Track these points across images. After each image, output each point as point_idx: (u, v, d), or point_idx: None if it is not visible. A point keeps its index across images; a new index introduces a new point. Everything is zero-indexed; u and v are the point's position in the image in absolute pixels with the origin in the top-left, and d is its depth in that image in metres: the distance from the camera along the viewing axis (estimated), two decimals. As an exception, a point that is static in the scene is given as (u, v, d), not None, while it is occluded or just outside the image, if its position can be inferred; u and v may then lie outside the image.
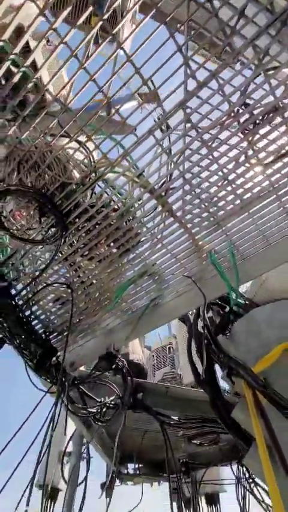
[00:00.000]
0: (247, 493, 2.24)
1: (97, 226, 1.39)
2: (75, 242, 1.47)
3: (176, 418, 2.17)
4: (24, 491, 1.48)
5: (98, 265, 1.54)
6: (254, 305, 2.15)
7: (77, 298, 1.62)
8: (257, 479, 2.25)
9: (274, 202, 1.29)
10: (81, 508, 2.37)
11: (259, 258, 1.47)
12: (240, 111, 1.04)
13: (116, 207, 1.35)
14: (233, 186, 1.24)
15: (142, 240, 1.45)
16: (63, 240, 1.37)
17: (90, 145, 1.20)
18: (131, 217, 1.39)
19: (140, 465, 3.10)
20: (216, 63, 1.30)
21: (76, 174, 1.30)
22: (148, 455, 3.02)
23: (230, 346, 1.97)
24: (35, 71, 1.08)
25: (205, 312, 2.06)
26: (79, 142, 1.17)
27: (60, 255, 1.49)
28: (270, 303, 1.99)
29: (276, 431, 1.42)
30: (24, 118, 1.12)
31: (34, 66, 1.18)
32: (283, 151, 1.11)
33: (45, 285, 1.57)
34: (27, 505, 1.42)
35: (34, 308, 1.71)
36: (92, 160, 1.21)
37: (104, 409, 1.78)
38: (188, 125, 1.07)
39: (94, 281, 1.60)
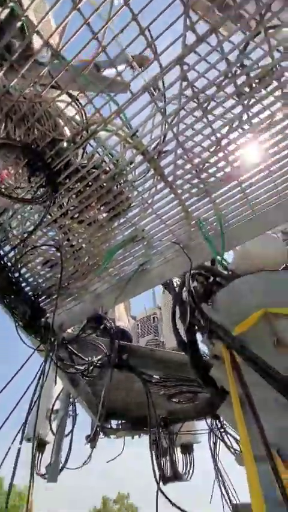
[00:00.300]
0: (218, 440, 2.52)
1: (88, 188, 1.37)
2: (65, 204, 1.46)
3: (158, 377, 2.33)
4: (13, 442, 1.57)
5: (88, 229, 1.54)
6: (236, 276, 2.25)
7: (66, 262, 1.63)
8: (227, 429, 2.54)
9: (263, 172, 1.32)
10: (67, 458, 2.57)
11: (244, 227, 1.52)
12: (238, 72, 1.02)
13: (107, 168, 1.33)
14: (225, 152, 1.25)
15: (133, 204, 1.45)
16: (52, 201, 1.35)
17: (82, 101, 1.15)
18: (122, 181, 1.38)
19: (123, 421, 3.34)
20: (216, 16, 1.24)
21: (67, 132, 1.25)
22: (130, 412, 3.25)
23: (211, 313, 2.08)
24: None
25: (190, 279, 2.14)
26: (70, 95, 1.12)
27: (50, 216, 1.48)
28: (251, 274, 2.09)
29: (248, 385, 1.57)
30: (12, 65, 1.05)
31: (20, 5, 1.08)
32: (276, 118, 1.12)
33: (33, 246, 1.56)
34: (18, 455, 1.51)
35: (23, 270, 1.71)
36: (84, 116, 1.17)
37: (91, 367, 1.87)
38: (185, 83, 1.04)
39: (83, 245, 1.61)
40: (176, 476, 2.92)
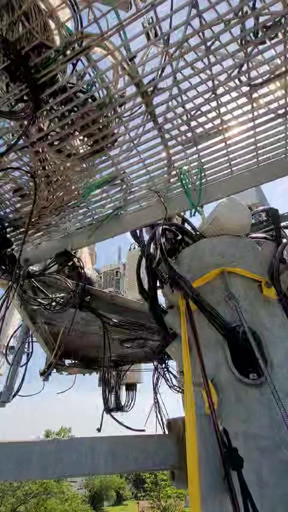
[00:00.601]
0: (160, 377, 2.91)
1: (72, 114, 1.27)
2: (45, 127, 1.34)
3: (116, 321, 2.48)
4: None
5: (66, 161, 1.46)
6: (202, 237, 2.39)
7: (39, 193, 1.55)
8: (170, 368, 2.96)
9: (249, 132, 1.35)
10: (20, 387, 2.71)
11: (220, 184, 1.58)
12: (248, 12, 0.98)
13: (96, 94, 1.23)
14: (219, 102, 1.24)
15: (117, 142, 1.40)
16: (32, 120, 1.23)
17: (80, 6, 1.01)
18: (110, 112, 1.31)
19: (75, 360, 3.57)
20: None
21: (57, 40, 1.11)
22: (84, 353, 3.47)
23: (175, 266, 2.22)
24: None
25: (161, 232, 2.22)
26: (67, -7, 0.97)
27: (26, 138, 1.36)
28: (215, 237, 2.24)
29: (199, 329, 1.77)
30: None
31: None
32: (276, 73, 1.12)
33: (6, 168, 1.44)
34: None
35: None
36: (79, 24, 1.04)
37: (53, 304, 1.91)
38: (194, 11, 0.98)
39: (59, 177, 1.53)
40: (119, 408, 3.29)
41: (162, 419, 2.71)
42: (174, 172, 1.51)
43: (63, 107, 1.26)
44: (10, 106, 1.24)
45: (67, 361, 3.56)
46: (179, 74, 1.16)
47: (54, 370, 3.25)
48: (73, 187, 1.56)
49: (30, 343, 2.96)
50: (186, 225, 2.76)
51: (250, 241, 2.25)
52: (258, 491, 1.14)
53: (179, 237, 2.55)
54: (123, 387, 3.77)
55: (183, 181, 1.50)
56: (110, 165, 1.49)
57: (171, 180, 1.56)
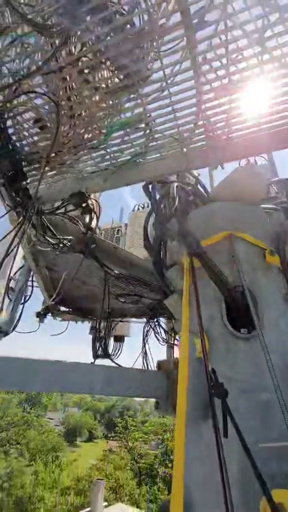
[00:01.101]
0: (150, 330, 3.13)
1: (108, 38, 1.17)
2: (75, 51, 1.25)
3: (117, 272, 2.55)
4: None
5: (93, 94, 1.38)
6: (213, 200, 2.39)
7: (60, 127, 1.48)
8: (161, 323, 3.17)
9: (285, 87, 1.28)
10: (18, 320, 2.84)
11: (247, 143, 1.54)
12: None
13: (136, 20, 1.13)
14: (265, 47, 1.16)
15: (150, 77, 1.31)
16: (65, 38, 1.13)
17: None
18: (148, 44, 1.21)
19: (70, 309, 3.73)
20: None
21: None
22: (80, 302, 3.62)
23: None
24: None
25: (174, 189, 2.20)
26: None
27: (55, 62, 1.26)
28: (227, 202, 2.25)
29: (198, 286, 1.85)
30: None
31: None
32: None
33: (29, 91, 1.36)
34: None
35: (9, 122, 1.51)
36: None
37: (60, 245, 1.94)
38: None
39: (84, 112, 1.46)
40: (106, 355, 3.54)
41: (147, 366, 2.99)
42: (201, 122, 1.46)
43: (99, 28, 1.16)
44: (43, 19, 1.14)
45: (62, 308, 3.71)
46: (230, 6, 1.06)
47: (50, 315, 3.40)
48: (95, 125, 1.50)
49: (30, 286, 3.05)
50: (199, 187, 2.73)
51: (260, 210, 2.27)
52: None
53: (191, 198, 2.55)
54: (112, 338, 4.02)
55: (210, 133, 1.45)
56: (137, 105, 1.42)
57: (197, 131, 1.51)
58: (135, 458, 25.11)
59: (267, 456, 1.23)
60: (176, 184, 2.21)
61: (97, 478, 3.54)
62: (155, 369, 2.31)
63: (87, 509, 3.18)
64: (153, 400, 2.04)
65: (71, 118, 1.48)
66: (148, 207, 4.51)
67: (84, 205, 1.78)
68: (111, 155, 1.69)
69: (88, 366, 1.49)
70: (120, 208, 5.31)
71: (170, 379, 1.70)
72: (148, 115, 1.47)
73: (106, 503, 3.29)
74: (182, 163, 1.53)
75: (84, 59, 1.28)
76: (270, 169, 3.76)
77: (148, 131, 1.51)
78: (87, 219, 1.99)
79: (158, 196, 2.47)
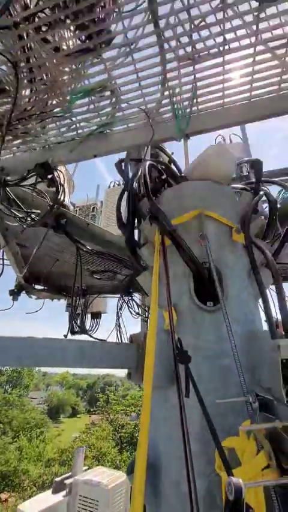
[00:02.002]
0: (124, 304, 3.22)
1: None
2: (32, 5, 1.13)
3: (89, 248, 2.51)
4: None
5: (53, 55, 1.28)
6: (185, 179, 2.40)
7: (20, 91, 1.37)
8: (134, 298, 3.27)
9: (247, 59, 1.26)
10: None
11: (211, 115, 1.52)
12: None
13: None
14: (225, 15, 1.12)
15: (112, 42, 1.24)
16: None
17: None
18: (110, 3, 1.13)
19: (45, 287, 3.69)
20: None
21: None
22: (53, 280, 3.57)
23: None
24: None
25: (146, 168, 2.17)
26: None
27: (9, 16, 1.14)
28: (199, 180, 2.26)
29: (169, 263, 1.89)
30: None
31: None
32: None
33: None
34: None
35: None
36: None
37: (29, 218, 1.86)
38: None
39: (45, 76, 1.35)
40: (83, 331, 3.59)
41: (121, 339, 3.10)
42: (166, 92, 1.42)
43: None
44: None
45: (38, 287, 3.66)
46: None
47: (24, 293, 3.34)
48: (59, 90, 1.40)
49: (2, 265, 2.95)
50: (172, 166, 2.71)
51: (230, 190, 2.32)
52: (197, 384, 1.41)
53: (164, 177, 2.53)
54: (89, 315, 4.06)
55: (175, 105, 1.42)
56: (102, 71, 1.34)
57: (163, 101, 1.47)
58: (117, 428, 26.50)
59: (225, 412, 1.35)
60: (148, 162, 2.18)
61: (77, 447, 3.72)
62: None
63: (69, 473, 3.34)
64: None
65: (31, 82, 1.37)
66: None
67: (50, 176, 1.70)
68: (77, 125, 1.60)
69: (61, 340, 1.51)
70: (97, 186, 5.17)
71: (140, 350, 1.77)
72: (113, 81, 1.40)
73: (86, 468, 3.48)
74: (149, 134, 1.50)
75: (42, 15, 1.17)
76: (244, 148, 3.80)
77: (114, 100, 1.45)
78: (59, 195, 1.90)
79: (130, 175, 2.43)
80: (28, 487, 18.98)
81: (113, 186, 4.57)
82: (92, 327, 3.88)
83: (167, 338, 1.68)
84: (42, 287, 3.54)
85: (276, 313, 1.58)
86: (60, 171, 1.82)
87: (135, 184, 2.42)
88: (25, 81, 1.32)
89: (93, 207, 4.20)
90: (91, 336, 3.22)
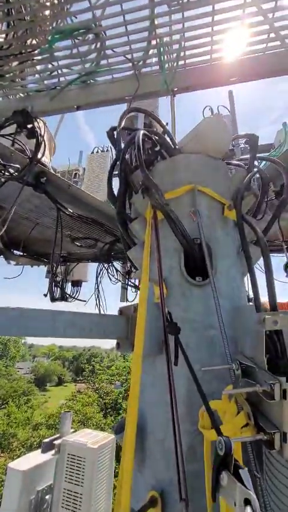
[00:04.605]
0: (104, 272, 3.28)
1: None
2: None
3: (71, 211, 2.41)
4: None
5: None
6: (179, 152, 2.32)
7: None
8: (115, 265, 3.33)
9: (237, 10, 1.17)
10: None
11: (199, 71, 1.45)
12: None
13: None
14: None
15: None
16: None
17: None
18: None
19: (24, 253, 3.61)
20: None
21: None
22: (33, 246, 3.49)
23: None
24: None
25: (139, 137, 2.08)
26: None
27: None
28: (193, 154, 2.20)
29: (160, 238, 1.88)
30: None
31: None
32: None
33: None
34: None
35: None
36: None
37: (6, 173, 1.73)
38: None
39: (23, 9, 1.20)
40: (63, 298, 3.62)
41: (100, 305, 3.18)
42: (154, 42, 1.32)
43: None
44: None
45: (17, 252, 3.57)
46: None
47: (3, 259, 3.27)
48: (39, 28, 1.26)
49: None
50: (166, 137, 2.61)
51: (224, 165, 2.28)
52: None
53: (157, 149, 2.44)
54: (70, 283, 4.07)
55: (162, 56, 1.33)
56: (86, 9, 1.21)
57: (150, 52, 1.37)
58: (102, 396, 27.87)
59: (209, 378, 1.44)
60: (142, 132, 2.08)
61: (64, 411, 3.90)
62: (109, 310, 2.41)
63: (57, 435, 3.52)
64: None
65: (8, 14, 1.22)
66: (108, 150, 4.24)
67: (30, 126, 1.58)
68: (59, 71, 1.48)
69: (51, 311, 1.51)
70: (79, 151, 4.92)
71: (130, 322, 1.81)
72: (98, 24, 1.28)
73: (73, 430, 3.68)
74: (134, 87, 1.41)
75: None
76: (232, 122, 3.70)
77: (98, 45, 1.34)
78: (39, 148, 1.75)
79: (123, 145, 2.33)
80: (17, 448, 20.02)
81: (97, 152, 4.37)
82: (73, 294, 3.90)
83: (157, 310, 1.72)
84: (21, 253, 3.46)
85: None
86: (41, 120, 1.68)
87: (126, 156, 2.33)
88: (1, 14, 1.18)
89: (75, 173, 4.04)
90: (79, 299, 3.21)
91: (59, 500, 2.88)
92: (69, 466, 2.93)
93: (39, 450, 3.33)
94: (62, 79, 1.46)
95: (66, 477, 2.91)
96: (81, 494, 2.77)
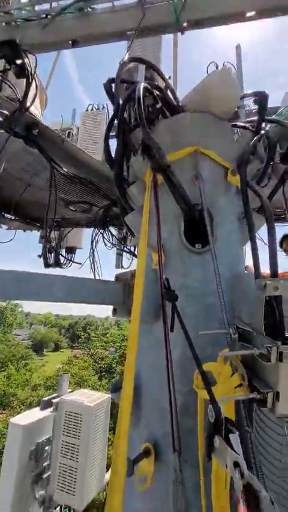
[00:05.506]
0: (100, 237, 3.25)
1: None
2: None
3: (66, 170, 2.27)
4: None
5: None
6: (182, 110, 2.14)
7: None
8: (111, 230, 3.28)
9: None
10: None
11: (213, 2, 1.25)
12: None
13: None
14: None
15: None
16: None
17: None
18: None
19: (16, 216, 3.49)
20: None
21: None
22: (26, 209, 3.36)
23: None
24: None
25: (140, 90, 1.90)
26: None
27: None
28: (197, 112, 2.03)
29: (160, 203, 1.79)
30: None
31: None
32: None
33: None
34: None
35: None
36: None
37: None
38: None
39: None
40: (58, 264, 3.59)
41: (95, 270, 3.16)
42: None
43: None
44: None
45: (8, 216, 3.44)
46: None
47: None
48: None
49: None
50: (168, 93, 2.40)
51: (229, 127, 2.12)
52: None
53: (158, 106, 2.24)
54: (64, 250, 4.01)
55: None
56: None
57: None
58: (97, 360, 29.31)
59: (204, 344, 1.45)
60: (143, 84, 1.89)
61: (61, 374, 4.06)
62: (104, 276, 2.35)
63: (55, 394, 3.70)
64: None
65: None
66: (104, 108, 3.94)
67: (19, 62, 1.40)
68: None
69: (48, 275, 1.47)
70: (73, 109, 4.55)
71: (126, 288, 1.80)
72: None
73: (70, 390, 3.87)
74: (137, 18, 1.23)
75: None
76: (239, 80, 3.43)
77: None
78: (30, 88, 1.55)
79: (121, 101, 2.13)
80: (17, 406, 21.34)
81: (92, 110, 4.06)
82: (66, 261, 3.85)
83: (155, 277, 1.70)
84: (13, 216, 3.33)
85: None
86: (33, 55, 1.48)
87: (125, 114, 2.14)
88: None
89: (69, 132, 3.78)
90: (79, 263, 3.16)
91: (58, 451, 3.11)
92: (67, 421, 3.12)
93: (38, 408, 3.51)
94: (54, 4, 1.25)
95: (64, 431, 3.12)
96: (78, 445, 2.98)
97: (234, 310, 1.56)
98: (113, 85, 2.20)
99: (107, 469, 3.43)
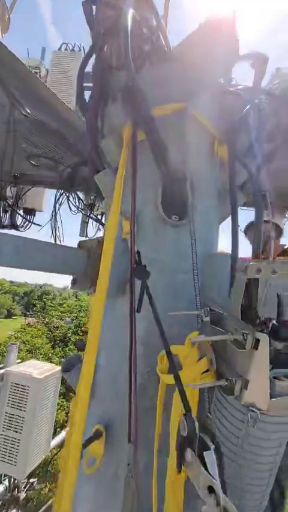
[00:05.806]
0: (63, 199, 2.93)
1: None
2: None
3: (28, 111, 1.87)
4: None
5: None
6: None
7: None
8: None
9: None
10: None
11: None
12: None
13: None
14: None
15: None
16: None
17: None
18: None
19: None
20: None
21: None
22: None
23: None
24: None
25: (129, 21, 1.56)
26: None
27: None
28: (191, 65, 1.76)
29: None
30: None
31: None
32: None
33: None
34: None
35: None
36: None
37: None
38: None
39: None
40: (14, 226, 3.20)
41: (56, 235, 2.87)
42: None
43: None
44: None
45: None
46: None
47: None
48: None
49: None
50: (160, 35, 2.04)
51: (223, 89, 1.90)
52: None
53: (147, 48, 1.90)
54: (21, 211, 3.57)
55: None
56: None
57: None
58: (51, 329, 28.96)
59: (171, 323, 1.34)
60: (131, 12, 1.55)
61: (10, 343, 3.79)
62: (67, 243, 2.12)
63: (1, 365, 3.44)
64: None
65: None
66: (80, 50, 3.35)
67: None
68: None
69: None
70: (42, 48, 3.83)
71: (91, 257, 1.58)
72: None
73: (20, 361, 3.64)
74: None
75: None
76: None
77: None
78: None
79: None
80: None
81: (66, 50, 3.45)
82: (24, 223, 3.45)
83: (124, 248, 1.50)
84: None
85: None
86: None
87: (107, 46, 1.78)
88: None
89: (36, 72, 3.20)
90: (39, 225, 2.81)
91: (0, 422, 2.93)
92: (12, 393, 2.93)
93: (-17, 378, 3.25)
94: None
95: (8, 402, 2.93)
96: (23, 417, 2.83)
97: (204, 290, 1.45)
98: (94, 8, 1.80)
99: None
